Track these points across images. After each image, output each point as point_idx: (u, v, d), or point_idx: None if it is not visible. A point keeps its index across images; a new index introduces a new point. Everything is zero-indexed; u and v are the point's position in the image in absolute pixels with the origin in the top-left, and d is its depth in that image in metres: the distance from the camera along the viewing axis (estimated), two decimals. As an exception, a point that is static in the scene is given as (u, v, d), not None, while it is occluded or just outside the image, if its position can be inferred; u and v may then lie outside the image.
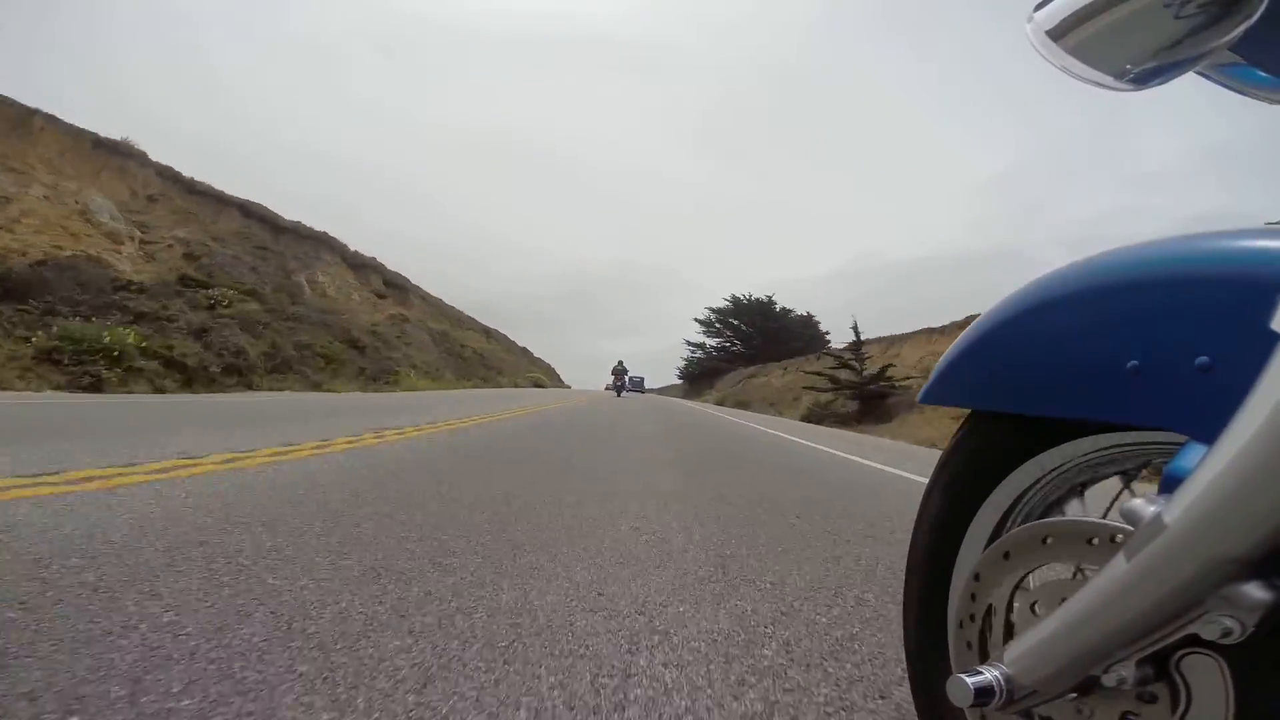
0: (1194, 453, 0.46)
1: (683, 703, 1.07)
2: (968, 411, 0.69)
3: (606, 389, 39.69)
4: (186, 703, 0.94)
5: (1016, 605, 0.57)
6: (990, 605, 0.59)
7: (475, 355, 29.96)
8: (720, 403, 31.01)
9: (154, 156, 17.93)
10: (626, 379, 34.30)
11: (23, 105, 14.84)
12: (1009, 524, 0.65)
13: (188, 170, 19.21)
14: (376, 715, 0.95)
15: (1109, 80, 0.57)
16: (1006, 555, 0.57)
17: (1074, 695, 0.49)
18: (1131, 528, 0.45)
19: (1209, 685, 0.44)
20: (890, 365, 17.53)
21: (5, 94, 14.55)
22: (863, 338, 18.64)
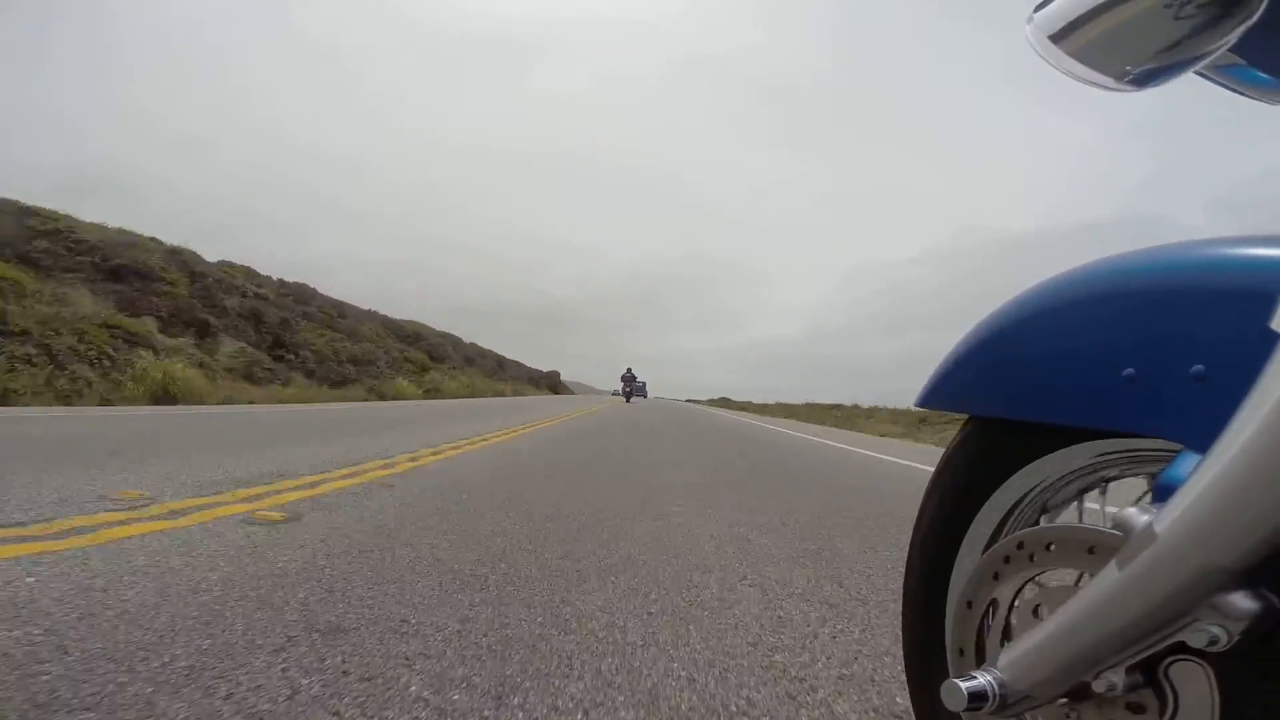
0: (1188, 461, 0.46)
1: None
2: (965, 416, 0.70)
3: (614, 394, 40.89)
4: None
5: (1011, 610, 0.58)
6: (986, 610, 0.59)
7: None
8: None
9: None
10: (634, 385, 35.97)
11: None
12: (1005, 530, 0.65)
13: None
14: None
15: (1109, 81, 0.56)
16: (1002, 561, 0.57)
17: (1066, 700, 0.50)
18: (1124, 535, 0.46)
19: (1196, 692, 0.44)
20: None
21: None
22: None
